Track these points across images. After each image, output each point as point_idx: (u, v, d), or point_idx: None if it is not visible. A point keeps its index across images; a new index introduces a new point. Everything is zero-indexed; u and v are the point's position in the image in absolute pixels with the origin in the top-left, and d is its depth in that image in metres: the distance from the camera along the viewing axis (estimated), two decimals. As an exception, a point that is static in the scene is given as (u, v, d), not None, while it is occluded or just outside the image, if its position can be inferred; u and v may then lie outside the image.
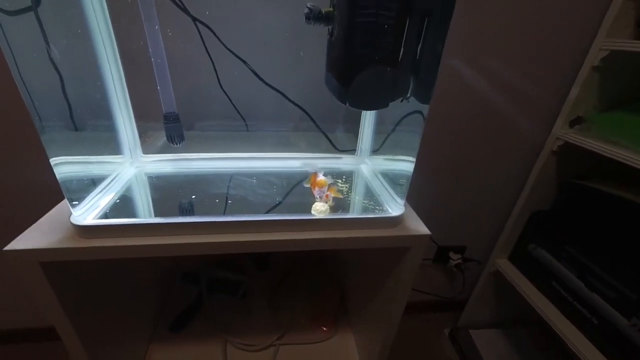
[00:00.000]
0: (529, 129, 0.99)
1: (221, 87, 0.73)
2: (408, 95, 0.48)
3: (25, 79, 0.39)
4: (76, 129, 0.51)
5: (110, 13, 0.54)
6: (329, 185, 0.51)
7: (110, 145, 0.58)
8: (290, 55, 0.71)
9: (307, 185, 0.53)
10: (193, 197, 0.55)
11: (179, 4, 0.60)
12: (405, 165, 0.52)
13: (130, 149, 0.61)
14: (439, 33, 0.41)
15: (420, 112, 0.49)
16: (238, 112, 0.77)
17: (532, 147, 1.01)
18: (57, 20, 0.47)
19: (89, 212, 0.47)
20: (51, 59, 0.46)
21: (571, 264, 0.93)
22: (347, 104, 0.47)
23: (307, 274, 0.96)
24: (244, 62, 0.69)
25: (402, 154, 0.55)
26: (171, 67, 0.59)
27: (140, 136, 0.62)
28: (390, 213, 0.51)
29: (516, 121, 0.98)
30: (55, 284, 0.43)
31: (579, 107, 0.89)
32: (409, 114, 0.52)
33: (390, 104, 0.47)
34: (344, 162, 0.72)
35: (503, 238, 1.11)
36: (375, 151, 0.71)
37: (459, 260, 1.19)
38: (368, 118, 0.67)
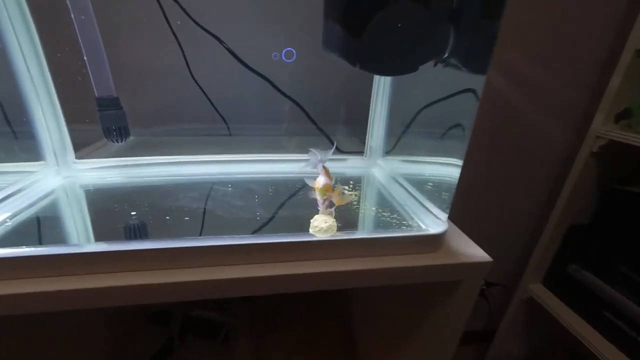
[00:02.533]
0: (557, 130, 0.86)
1: (193, 79, 0.58)
2: (446, 54, 0.33)
3: None
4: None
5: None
6: (334, 187, 0.34)
7: (23, 149, 0.42)
8: (278, 37, 0.57)
9: (312, 187, 0.35)
10: (133, 214, 0.38)
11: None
12: (446, 170, 0.36)
13: (55, 154, 0.44)
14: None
15: (473, 90, 0.33)
16: (216, 109, 0.61)
17: (563, 150, 0.87)
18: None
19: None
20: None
21: (628, 289, 0.76)
22: (358, 66, 0.31)
23: (304, 308, 0.78)
24: (220, 40, 0.54)
25: (436, 155, 0.39)
26: (125, 52, 0.45)
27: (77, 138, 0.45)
28: (428, 230, 0.35)
29: (541, 121, 0.84)
30: None
31: (623, 99, 0.75)
32: (459, 92, 0.36)
33: (418, 76, 0.32)
34: (349, 165, 0.56)
35: (536, 258, 0.95)
36: (389, 152, 0.55)
37: (483, 286, 1.01)
38: (380, 105, 0.51)
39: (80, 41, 0.36)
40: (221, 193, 0.44)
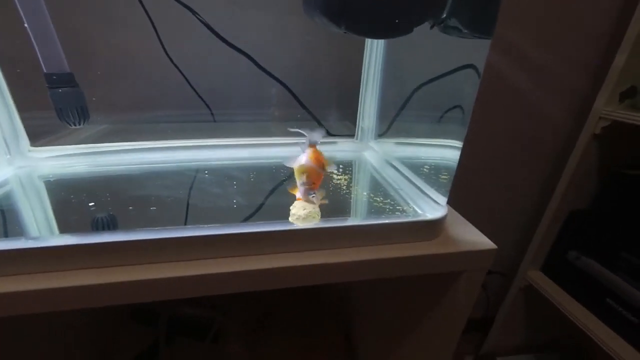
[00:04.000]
0: (557, 112, 0.83)
1: (170, 59, 0.53)
2: (444, 15, 0.29)
3: None
4: None
5: None
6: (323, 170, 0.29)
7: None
8: (261, 17, 0.52)
9: (292, 166, 0.30)
10: (91, 204, 0.33)
11: None
12: (444, 152, 0.32)
13: (5, 141, 0.39)
14: None
15: (473, 66, 0.29)
16: (197, 93, 0.57)
17: (563, 132, 0.84)
18: None
19: None
20: None
21: (630, 275, 0.74)
22: (343, 28, 0.27)
23: (298, 305, 0.74)
24: (194, 12, 0.49)
25: (433, 136, 0.35)
26: (90, 32, 0.41)
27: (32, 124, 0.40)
28: (426, 215, 0.31)
29: (541, 102, 0.81)
30: None
31: (628, 76, 0.72)
32: (459, 68, 0.32)
33: (413, 48, 0.27)
34: (339, 149, 0.52)
35: (534, 245, 0.92)
36: (382, 134, 0.51)
37: (481, 275, 0.99)
38: (372, 82, 0.47)
39: (19, 9, 0.31)
40: (196, 180, 0.40)
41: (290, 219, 0.28)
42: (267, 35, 0.53)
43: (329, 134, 0.54)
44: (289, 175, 0.43)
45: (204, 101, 0.57)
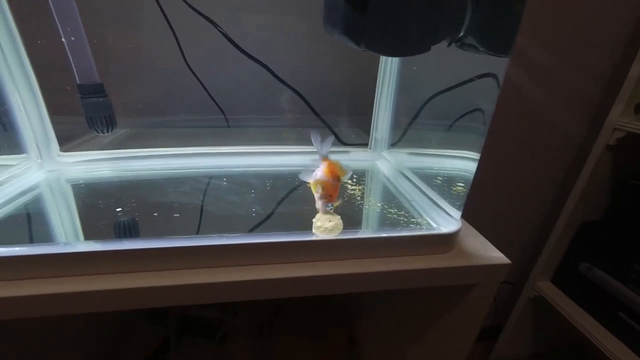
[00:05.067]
0: (571, 122, 0.82)
1: (188, 66, 0.55)
2: (462, 32, 0.29)
3: None
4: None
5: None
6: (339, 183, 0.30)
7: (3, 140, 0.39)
8: (276, 24, 0.53)
9: (310, 182, 0.32)
10: (118, 210, 0.35)
11: None
12: (460, 163, 0.33)
13: (38, 146, 0.41)
14: None
15: (493, 75, 0.30)
16: (213, 99, 0.58)
17: (577, 143, 0.84)
18: None
19: None
20: None
21: (644, 289, 0.73)
22: (363, 46, 0.28)
23: (306, 309, 0.75)
24: (215, 24, 0.51)
25: (448, 147, 0.36)
26: (114, 40, 0.42)
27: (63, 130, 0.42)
28: (440, 229, 0.31)
29: (554, 112, 0.80)
30: None
31: (642, 89, 0.71)
32: (478, 77, 0.33)
33: (429, 60, 0.28)
34: (352, 158, 0.53)
35: (545, 255, 0.92)
36: (395, 144, 0.52)
37: (490, 283, 0.99)
38: (386, 93, 0.48)
39: (57, 23, 0.33)
40: (215, 187, 0.41)
41: (315, 230, 0.30)
42: (281, 42, 0.55)
43: (342, 142, 0.55)
44: (302, 182, 0.44)
45: (219, 106, 0.58)
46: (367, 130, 0.56)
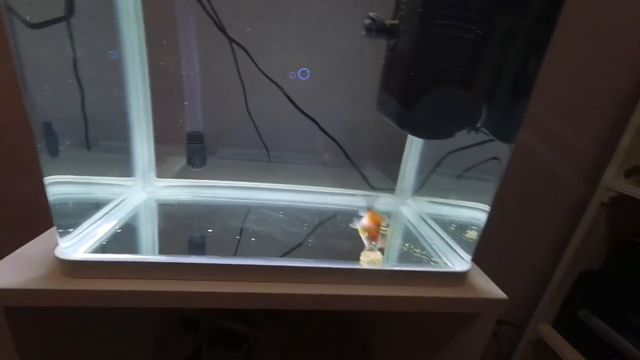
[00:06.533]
0: (569, 178, 0.90)
1: (248, 112, 0.67)
2: (479, 125, 0.41)
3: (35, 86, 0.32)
4: (88, 148, 0.44)
5: (144, 26, 0.49)
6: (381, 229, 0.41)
7: (121, 166, 0.51)
8: (327, 84, 0.66)
9: (357, 227, 0.43)
10: (210, 230, 0.46)
11: (217, 22, 0.56)
12: (473, 213, 0.43)
13: (143, 172, 0.53)
14: (531, 55, 0.35)
15: (497, 158, 0.41)
16: (261, 138, 0.69)
17: (578, 197, 0.91)
18: (85, 31, 0.42)
19: (80, 243, 0.38)
20: (76, 74, 0.40)
21: (637, 338, 0.78)
22: (407, 130, 0.39)
23: (327, 331, 0.82)
24: (277, 85, 0.63)
25: (464, 198, 0.46)
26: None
27: (159, 158, 0.54)
28: (454, 268, 0.41)
29: (556, 167, 0.89)
30: (18, 335, 0.33)
31: (633, 156, 0.81)
32: (485, 161, 0.44)
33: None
34: (380, 202, 0.63)
35: (545, 301, 0.97)
36: (416, 191, 0.62)
37: (494, 323, 1.04)
38: (413, 151, 0.59)
39: (184, 82, 0.45)
40: (274, 219, 0.52)
41: (362, 261, 0.40)
42: (328, 97, 0.66)
43: (370, 186, 0.66)
44: (346, 219, 0.54)
45: (264, 143, 0.70)
46: (389, 172, 0.66)
